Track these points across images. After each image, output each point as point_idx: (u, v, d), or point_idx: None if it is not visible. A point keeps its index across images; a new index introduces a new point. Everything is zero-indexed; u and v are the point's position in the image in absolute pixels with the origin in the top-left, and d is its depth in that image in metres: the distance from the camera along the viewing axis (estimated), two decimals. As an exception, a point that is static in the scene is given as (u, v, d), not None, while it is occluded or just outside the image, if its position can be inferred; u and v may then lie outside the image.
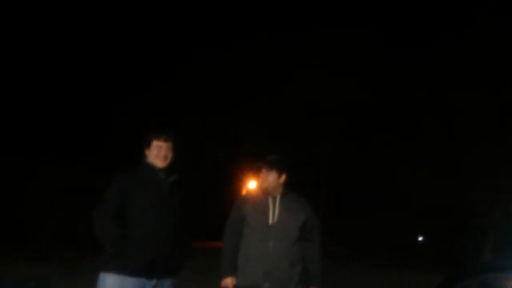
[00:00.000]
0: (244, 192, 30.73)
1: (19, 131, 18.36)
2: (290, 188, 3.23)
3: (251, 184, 29.76)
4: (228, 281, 3.04)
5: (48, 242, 15.63)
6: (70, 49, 19.49)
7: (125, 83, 20.95)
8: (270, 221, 3.05)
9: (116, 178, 2.77)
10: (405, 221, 24.72)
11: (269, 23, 26.12)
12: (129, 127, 19.32)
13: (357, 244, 25.45)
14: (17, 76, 18.20)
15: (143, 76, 22.25)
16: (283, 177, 3.15)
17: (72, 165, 18.74)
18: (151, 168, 2.85)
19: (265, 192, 3.16)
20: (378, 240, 25.26)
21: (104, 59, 19.99)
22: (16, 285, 7.55)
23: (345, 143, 23.01)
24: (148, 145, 2.89)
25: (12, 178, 17.59)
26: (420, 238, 31.15)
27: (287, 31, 25.63)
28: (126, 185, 2.73)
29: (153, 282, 2.69)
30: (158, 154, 2.84)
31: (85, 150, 19.74)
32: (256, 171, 3.19)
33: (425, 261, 19.74)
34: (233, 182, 30.32)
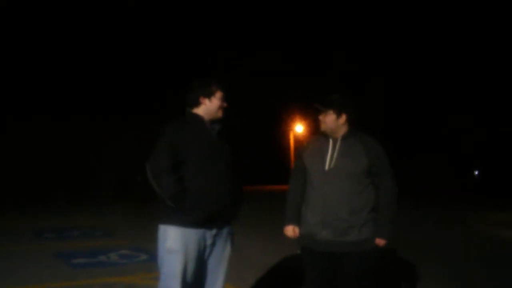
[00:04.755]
0: (291, 135, 30.75)
1: (80, 92, 19.37)
2: (356, 128, 2.91)
3: (298, 128, 29.67)
4: (290, 228, 2.93)
5: (110, 193, 16.49)
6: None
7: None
8: (327, 166, 2.82)
9: (166, 130, 2.68)
10: (460, 156, 23.93)
11: None
12: (176, 79, 19.77)
13: (411, 182, 25.10)
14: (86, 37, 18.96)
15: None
16: (343, 118, 2.85)
17: (136, 117, 19.72)
18: (198, 118, 2.78)
19: (326, 135, 2.89)
20: (433, 176, 24.74)
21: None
22: (83, 234, 8.07)
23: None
24: (209, 95, 2.78)
25: (71, 136, 18.53)
26: (476, 172, 30.20)
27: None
28: (178, 137, 2.64)
29: (214, 231, 2.71)
30: (222, 105, 2.80)
31: (139, 103, 20.64)
32: (314, 113, 2.91)
33: (482, 196, 19.23)
34: (280, 126, 30.27)
